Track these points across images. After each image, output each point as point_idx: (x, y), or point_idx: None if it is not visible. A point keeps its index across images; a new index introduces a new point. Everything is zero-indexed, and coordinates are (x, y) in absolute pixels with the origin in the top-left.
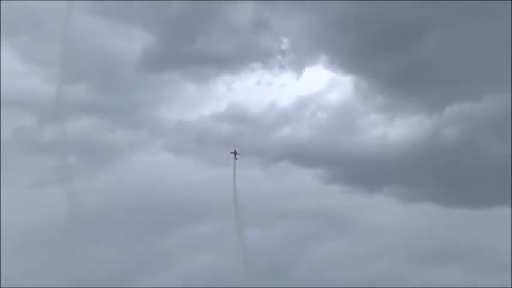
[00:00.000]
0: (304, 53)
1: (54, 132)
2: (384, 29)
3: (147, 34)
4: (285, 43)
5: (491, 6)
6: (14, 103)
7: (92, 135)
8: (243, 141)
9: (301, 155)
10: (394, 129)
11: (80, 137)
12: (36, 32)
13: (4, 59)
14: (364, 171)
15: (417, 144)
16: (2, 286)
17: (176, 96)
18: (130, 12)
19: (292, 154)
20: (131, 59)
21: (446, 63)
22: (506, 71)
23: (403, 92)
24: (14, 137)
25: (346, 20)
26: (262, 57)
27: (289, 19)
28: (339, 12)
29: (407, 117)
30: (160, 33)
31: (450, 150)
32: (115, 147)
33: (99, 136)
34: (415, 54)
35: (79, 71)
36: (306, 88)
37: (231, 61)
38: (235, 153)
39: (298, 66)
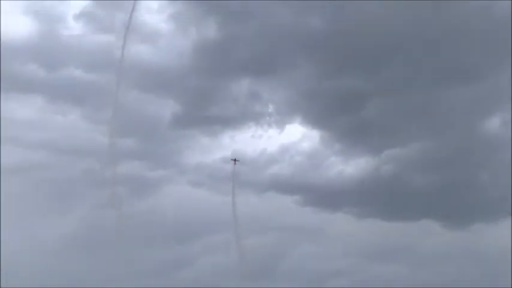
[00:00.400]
0: (285, 115)
1: (110, 172)
2: (340, 97)
3: (175, 103)
4: (271, 108)
5: (415, 80)
6: (81, 151)
7: (136, 173)
8: (242, 177)
9: (283, 186)
10: (348, 167)
11: (128, 174)
12: (97, 100)
13: (75, 120)
14: (328, 196)
15: (365, 177)
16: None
17: (195, 146)
18: (162, 87)
19: (277, 186)
20: (164, 120)
21: (383, 122)
22: (425, 128)
23: (354, 141)
24: (82, 175)
25: (314, 91)
26: (255, 118)
27: (274, 91)
28: (309, 86)
29: (357, 159)
30: (184, 103)
31: (387, 181)
32: (152, 182)
33: (141, 174)
34: (361, 115)
35: (127, 129)
36: (286, 139)
37: (233, 121)
38: (234, 160)
39: (280, 124)
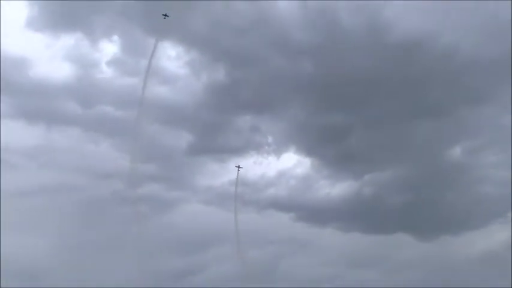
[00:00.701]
0: (281, 145)
1: (133, 193)
2: (328, 129)
3: (189, 134)
4: (270, 139)
5: (390, 115)
6: (110, 175)
7: (156, 194)
8: (246, 197)
9: (280, 205)
10: (335, 189)
11: (149, 195)
12: (124, 132)
13: (105, 149)
14: (318, 213)
15: (349, 198)
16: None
17: (206, 171)
18: (179, 121)
19: (275, 204)
20: (180, 149)
21: (364, 151)
22: (399, 155)
23: (339, 167)
24: (110, 195)
25: (306, 125)
26: (257, 147)
27: (272, 125)
28: (301, 121)
29: (342, 182)
30: (197, 134)
31: (368, 201)
32: (170, 202)
33: (160, 194)
34: (345, 145)
35: (149, 156)
36: (283, 165)
37: (238, 150)
38: (238, 167)
39: (278, 153)
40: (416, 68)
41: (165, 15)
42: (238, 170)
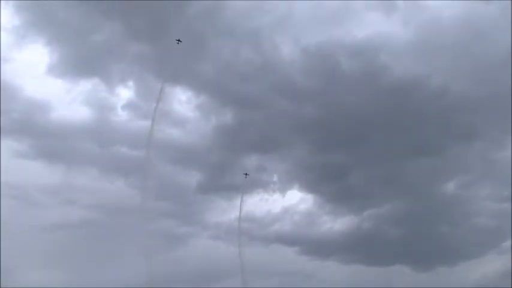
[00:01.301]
0: (286, 183)
1: (146, 227)
2: (329, 168)
3: (199, 174)
4: (275, 178)
5: (387, 154)
6: (125, 212)
7: (168, 229)
8: (252, 232)
9: (285, 239)
10: (336, 224)
11: (161, 230)
12: (138, 171)
13: (121, 187)
14: (321, 247)
15: (349, 232)
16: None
17: (215, 208)
18: (189, 161)
19: (280, 239)
20: (190, 187)
21: (363, 188)
22: (396, 192)
23: (340, 204)
24: (125, 230)
25: (309, 164)
26: (263, 185)
27: (277, 164)
28: (304, 160)
29: (343, 217)
30: (206, 173)
31: (367, 234)
32: (181, 236)
33: (172, 230)
34: (346, 182)
35: (161, 194)
36: (287, 202)
37: (245, 188)
38: (246, 174)
39: (282, 190)
40: (411, 108)
41: (178, 40)
42: (246, 177)
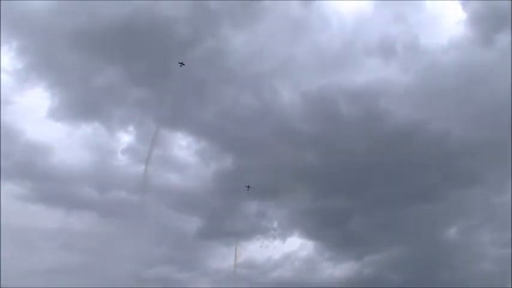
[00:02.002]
0: (286, 229)
1: (147, 274)
2: (329, 214)
3: (199, 219)
4: (275, 224)
5: (387, 200)
6: (124, 257)
7: (168, 275)
8: (253, 278)
9: (286, 286)
10: (337, 270)
11: (161, 276)
12: (138, 216)
13: (120, 232)
14: None
15: (350, 278)
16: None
17: (215, 254)
18: (189, 207)
19: (281, 285)
20: (190, 232)
21: (363, 234)
22: (397, 237)
23: (341, 250)
24: (124, 275)
25: (309, 211)
26: (263, 232)
27: (277, 210)
28: (304, 206)
29: (344, 263)
30: (206, 219)
31: (368, 280)
32: (180, 282)
33: (171, 276)
34: (346, 229)
35: (161, 239)
36: (288, 248)
37: (245, 234)
38: (248, 186)
39: (283, 237)
40: (411, 153)
41: (181, 63)
42: (248, 190)
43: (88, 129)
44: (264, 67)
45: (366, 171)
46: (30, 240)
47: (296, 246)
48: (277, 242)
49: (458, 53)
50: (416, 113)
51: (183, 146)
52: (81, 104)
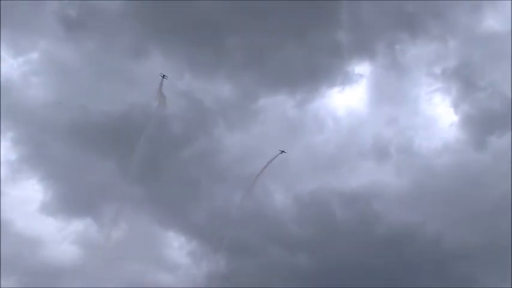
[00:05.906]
0: None
1: None
2: None
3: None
4: None
5: None
6: None
7: None
8: None
9: None
10: None
11: None
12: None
13: None
14: None
15: None
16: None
17: None
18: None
19: None
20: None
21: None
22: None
23: None
24: None
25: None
26: None
27: None
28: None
29: None
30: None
31: None
32: None
33: None
34: None
35: None
36: None
37: None
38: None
39: None
40: (405, 256)
41: (164, 76)
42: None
43: (80, 225)
44: (256, 168)
45: (360, 274)
46: None
47: None
48: None
49: (451, 155)
50: (410, 216)
51: (175, 247)
52: (74, 199)
